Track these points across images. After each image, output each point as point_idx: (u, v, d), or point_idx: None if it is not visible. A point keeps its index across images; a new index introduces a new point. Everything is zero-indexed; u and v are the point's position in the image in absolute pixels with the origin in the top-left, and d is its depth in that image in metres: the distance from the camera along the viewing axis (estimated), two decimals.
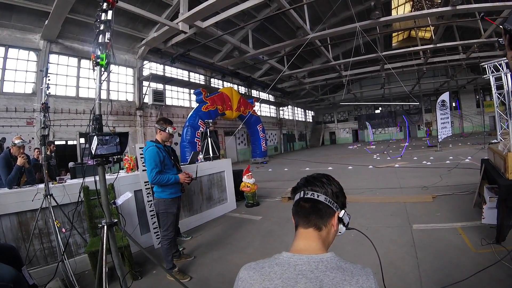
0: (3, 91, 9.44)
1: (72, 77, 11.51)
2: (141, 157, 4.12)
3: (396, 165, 10.33)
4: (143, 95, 13.96)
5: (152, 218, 4.18)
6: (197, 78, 18.31)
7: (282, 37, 16.89)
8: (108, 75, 2.20)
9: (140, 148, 4.16)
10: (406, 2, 19.53)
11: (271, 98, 27.26)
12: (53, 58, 10.84)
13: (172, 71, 16.32)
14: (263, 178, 10.32)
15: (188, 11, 10.14)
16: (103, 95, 2.18)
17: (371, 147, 21.70)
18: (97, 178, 2.13)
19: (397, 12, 19.49)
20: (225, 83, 20.37)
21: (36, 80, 10.05)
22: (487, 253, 2.99)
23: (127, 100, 13.68)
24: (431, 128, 28.25)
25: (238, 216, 5.77)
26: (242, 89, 22.72)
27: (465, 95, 29.72)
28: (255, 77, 22.08)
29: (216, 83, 19.80)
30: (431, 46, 17.49)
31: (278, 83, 23.18)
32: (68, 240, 3.36)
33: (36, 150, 6.69)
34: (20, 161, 3.57)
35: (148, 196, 4.16)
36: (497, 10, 12.57)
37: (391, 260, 3.09)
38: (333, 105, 35.92)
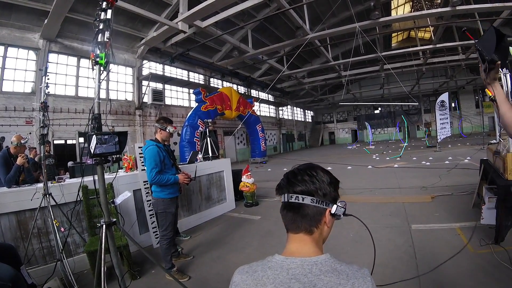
0: (2, 90, 9.43)
1: (71, 76, 11.50)
2: (141, 156, 4.11)
3: (395, 165, 10.34)
4: (143, 95, 13.95)
5: (151, 218, 4.18)
6: (197, 77, 18.30)
7: (282, 37, 16.91)
8: (108, 74, 2.20)
9: (139, 147, 4.15)
10: (405, 3, 19.55)
11: (271, 98, 27.27)
12: (52, 57, 10.82)
13: (172, 71, 16.32)
14: (262, 178, 10.32)
15: (188, 10, 10.14)
16: (102, 95, 2.18)
17: (370, 147, 21.72)
18: (96, 177, 2.13)
19: (396, 13, 19.50)
20: (224, 82, 20.37)
21: (35, 79, 10.04)
22: (486, 254, 2.99)
23: (126, 99, 13.67)
24: (430, 128, 28.30)
25: (237, 216, 5.77)
26: (242, 89, 22.72)
27: (464, 96, 29.75)
28: (255, 77, 22.08)
29: (215, 82, 19.80)
30: (431, 46, 17.53)
31: (277, 83, 23.19)
32: (66, 240, 3.36)
33: (33, 150, 6.67)
34: (19, 160, 3.56)
35: (147, 196, 4.16)
36: (497, 11, 12.60)
37: (389, 260, 3.09)
38: (332, 105, 35.98)
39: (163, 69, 15.77)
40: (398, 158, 12.51)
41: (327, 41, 16.86)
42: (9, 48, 9.65)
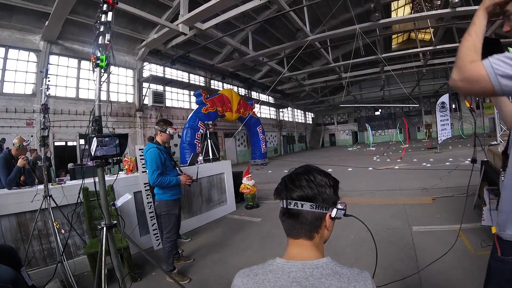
0: (3, 91, 9.44)
1: (72, 78, 11.52)
2: (141, 159, 4.11)
3: (396, 167, 10.33)
4: (143, 97, 13.97)
5: (151, 220, 4.18)
6: (197, 79, 18.32)
7: (282, 39, 16.94)
8: (108, 76, 2.20)
9: (140, 149, 4.16)
10: (406, 4, 19.59)
11: (271, 99, 27.28)
12: (53, 59, 10.85)
13: (172, 73, 16.34)
14: (263, 180, 10.31)
15: (188, 12, 10.16)
16: (103, 97, 2.18)
17: (371, 149, 21.70)
18: (97, 179, 2.13)
19: (396, 14, 19.55)
20: (225, 84, 20.38)
21: (36, 81, 10.06)
22: (487, 255, 2.96)
23: (127, 101, 13.69)
24: (430, 130, 28.28)
25: (238, 218, 5.76)
26: (242, 91, 22.74)
27: (463, 97, 29.67)
28: (255, 79, 22.11)
29: (216, 84, 19.82)
30: (431, 48, 17.52)
31: (278, 85, 23.15)
32: (67, 241, 3.36)
33: (35, 151, 6.67)
34: (20, 162, 3.57)
35: (147, 198, 4.16)
36: (496, 12, 12.59)
37: (390, 262, 3.08)
38: (333, 107, 35.96)
39: (164, 71, 15.79)
40: (399, 160, 12.50)
41: (327, 43, 16.88)
42: (10, 50, 9.68)
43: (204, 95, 14.41)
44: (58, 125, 10.48)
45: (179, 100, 17.08)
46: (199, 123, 13.41)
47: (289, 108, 31.52)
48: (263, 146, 18.78)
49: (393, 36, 24.16)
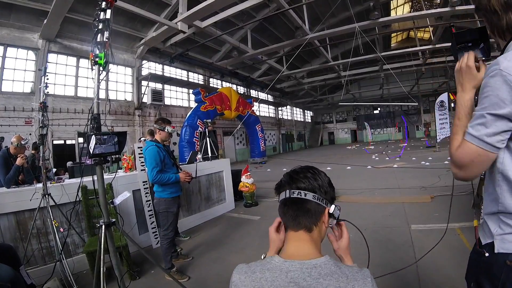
0: (2, 90, 9.42)
1: (70, 76, 11.49)
2: (140, 157, 4.11)
3: (395, 166, 10.35)
4: (142, 95, 13.94)
5: (150, 218, 4.18)
6: (196, 78, 18.30)
7: (281, 37, 16.91)
8: (107, 74, 2.19)
9: (138, 147, 4.15)
10: (405, 3, 19.56)
11: (270, 98, 27.26)
12: (51, 57, 10.81)
13: (171, 71, 16.31)
14: (262, 178, 10.31)
15: (187, 10, 10.15)
16: (102, 95, 2.18)
17: (370, 147, 21.73)
18: (95, 177, 2.13)
19: (396, 13, 19.51)
20: (224, 83, 20.37)
21: (34, 79, 10.03)
22: None
23: (125, 99, 13.67)
24: (429, 128, 28.34)
25: (237, 216, 5.77)
26: (241, 89, 22.72)
27: None
28: (254, 77, 22.09)
29: (215, 83, 19.80)
30: (430, 46, 17.55)
31: (277, 83, 23.19)
32: (66, 240, 3.36)
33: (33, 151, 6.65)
34: (19, 161, 3.56)
35: (146, 196, 4.16)
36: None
37: (389, 260, 3.09)
38: (332, 106, 35.97)
39: (163, 69, 15.76)
40: (398, 158, 12.52)
41: (326, 41, 16.87)
42: (9, 48, 9.64)
43: (203, 93, 14.40)
44: (57, 123, 10.44)
45: (178, 98, 17.06)
46: (198, 121, 13.41)
47: (288, 107, 31.53)
48: (262, 145, 18.78)
49: (392, 35, 24.15)
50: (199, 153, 6.08)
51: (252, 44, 15.51)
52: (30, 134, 8.28)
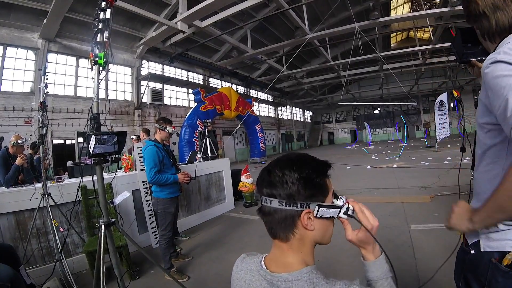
0: (1, 90, 9.42)
1: (70, 76, 11.49)
2: (140, 157, 4.11)
3: (394, 166, 10.34)
4: (142, 95, 13.94)
5: (150, 218, 4.18)
6: (196, 77, 18.30)
7: (281, 37, 16.92)
8: (107, 74, 2.19)
9: (138, 147, 4.15)
10: (405, 3, 19.56)
11: (270, 98, 27.27)
12: (51, 57, 10.81)
13: (171, 71, 16.31)
14: None
15: (187, 10, 10.15)
16: (101, 94, 2.18)
17: (369, 147, 21.73)
18: (95, 177, 2.13)
19: (395, 13, 19.51)
20: (223, 82, 20.37)
21: (34, 79, 10.03)
22: None
23: (125, 99, 13.67)
24: (429, 128, 28.35)
25: (236, 216, 5.77)
26: (241, 89, 22.72)
27: (463, 96, 29.41)
28: (254, 77, 22.09)
29: (214, 82, 19.80)
30: (430, 46, 17.56)
31: (276, 83, 23.19)
32: (65, 240, 3.36)
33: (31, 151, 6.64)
34: (18, 160, 3.55)
35: (146, 196, 4.16)
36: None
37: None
38: (331, 105, 35.97)
39: (162, 69, 15.76)
40: (397, 158, 12.52)
41: (326, 41, 16.88)
42: (8, 48, 9.64)
43: (203, 93, 14.40)
44: (57, 123, 10.44)
45: (178, 98, 17.06)
46: (198, 121, 13.41)
47: (287, 106, 31.54)
48: (262, 144, 18.79)
49: (392, 35, 24.15)
50: (198, 153, 6.08)
51: (252, 44, 15.51)
52: (32, 135, 8.29)
